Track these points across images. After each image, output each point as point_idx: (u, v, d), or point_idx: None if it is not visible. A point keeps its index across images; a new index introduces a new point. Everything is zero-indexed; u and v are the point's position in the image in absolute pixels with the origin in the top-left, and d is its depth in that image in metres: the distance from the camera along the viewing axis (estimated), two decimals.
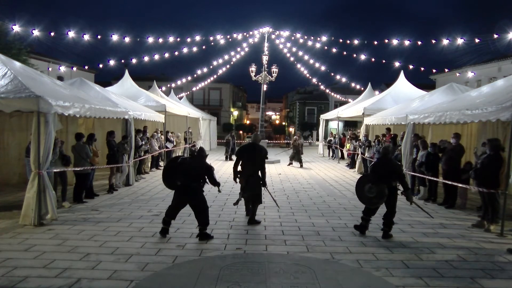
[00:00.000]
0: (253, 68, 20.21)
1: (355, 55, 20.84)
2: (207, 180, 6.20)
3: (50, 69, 23.15)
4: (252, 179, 7.10)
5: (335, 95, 36.72)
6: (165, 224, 6.19)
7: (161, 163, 15.64)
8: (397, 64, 19.48)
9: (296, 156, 17.46)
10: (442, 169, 9.03)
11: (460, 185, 8.20)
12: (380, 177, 6.26)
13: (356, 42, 19.49)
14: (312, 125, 45.33)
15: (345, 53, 21.32)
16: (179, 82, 28.34)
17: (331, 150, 22.38)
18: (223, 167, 16.53)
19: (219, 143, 29.20)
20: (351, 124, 36.40)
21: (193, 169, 6.06)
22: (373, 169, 6.66)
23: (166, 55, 20.11)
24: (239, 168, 7.34)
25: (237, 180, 7.34)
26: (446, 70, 23.78)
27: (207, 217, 6.10)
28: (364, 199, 6.50)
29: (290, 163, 17.63)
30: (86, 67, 26.94)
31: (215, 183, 6.28)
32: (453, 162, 8.67)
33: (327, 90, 35.85)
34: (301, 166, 17.18)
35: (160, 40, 18.19)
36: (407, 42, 17.37)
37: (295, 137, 19.02)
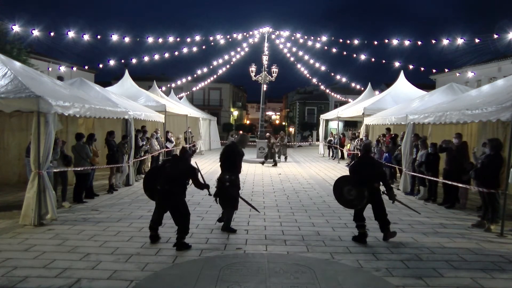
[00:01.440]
0: (253, 68, 20.22)
1: (355, 55, 20.86)
2: (192, 182, 5.77)
3: (50, 69, 23.14)
4: (221, 182, 6.69)
5: (335, 95, 36.73)
6: (152, 230, 5.86)
7: None
8: (397, 64, 19.50)
9: (269, 154, 17.46)
10: (444, 169, 9.01)
11: (460, 185, 8.20)
12: (362, 178, 6.00)
13: (356, 42, 19.49)
14: (312, 125, 45.34)
15: (345, 53, 21.36)
16: (179, 82, 28.36)
17: (331, 150, 22.39)
18: None
19: (222, 144, 29.09)
20: (351, 124, 36.39)
21: (175, 172, 5.63)
22: (353, 170, 6.31)
23: (166, 55, 20.12)
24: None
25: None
26: (446, 70, 23.78)
27: (187, 225, 5.68)
28: (343, 201, 6.24)
29: (264, 162, 17.40)
30: (86, 67, 26.94)
31: (201, 186, 5.84)
32: (457, 162, 8.64)
33: (327, 90, 35.85)
34: (274, 164, 17.16)
35: (160, 40, 18.20)
36: (407, 42, 17.37)
37: (267, 134, 19.14)
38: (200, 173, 6.15)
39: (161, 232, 6.33)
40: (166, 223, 6.39)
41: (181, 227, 5.65)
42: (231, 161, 6.71)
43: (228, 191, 6.61)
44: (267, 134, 19.39)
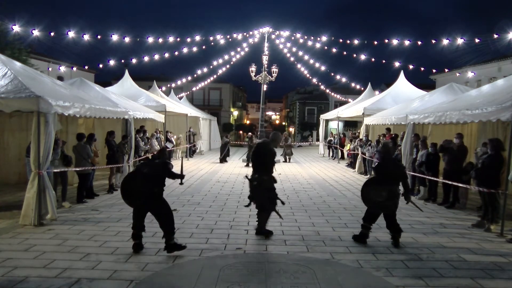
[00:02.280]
0: (253, 68, 20.21)
1: (355, 55, 20.85)
2: (168, 176, 5.58)
3: (50, 69, 23.13)
4: (256, 184, 6.33)
5: (335, 95, 36.72)
6: (135, 238, 5.47)
7: None
8: (397, 64, 19.49)
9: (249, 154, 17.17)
10: (444, 169, 9.01)
11: (461, 185, 8.20)
12: (388, 178, 5.86)
13: (356, 42, 19.49)
14: (312, 125, 45.34)
15: (345, 53, 21.34)
16: (179, 82, 28.34)
17: (331, 150, 22.40)
18: (222, 168, 16.55)
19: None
20: (351, 124, 36.41)
21: (150, 171, 5.37)
22: (378, 171, 6.20)
23: (166, 55, 20.12)
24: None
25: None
26: (446, 70, 23.77)
27: (171, 224, 5.40)
28: (374, 206, 5.96)
29: (247, 165, 16.98)
30: (86, 67, 26.93)
31: (175, 176, 5.72)
32: (458, 162, 8.64)
33: (327, 90, 35.84)
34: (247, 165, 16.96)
35: (160, 40, 18.20)
36: (407, 42, 17.37)
37: (249, 133, 19.09)
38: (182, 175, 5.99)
39: (162, 232, 6.33)
40: None
41: (166, 228, 5.37)
42: (261, 161, 6.36)
43: (257, 191, 6.31)
44: (249, 133, 19.35)
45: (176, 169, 5.99)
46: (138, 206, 5.47)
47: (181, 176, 5.89)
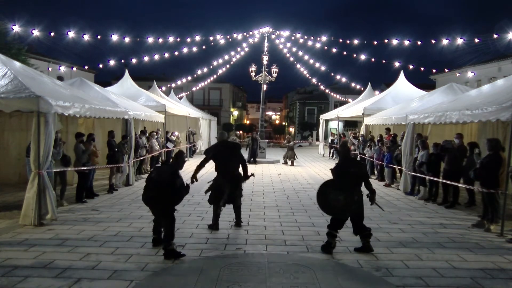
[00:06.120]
0: (253, 68, 20.23)
1: (355, 55, 20.86)
2: (172, 191, 5.34)
3: (50, 69, 23.12)
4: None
5: (335, 95, 36.70)
6: (154, 233, 5.74)
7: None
8: (397, 64, 19.50)
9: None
10: (444, 169, 9.02)
11: (460, 185, 8.20)
12: (347, 181, 5.40)
13: (356, 42, 19.50)
14: (312, 125, 45.33)
15: (345, 53, 21.36)
16: (179, 82, 28.34)
17: (331, 150, 22.38)
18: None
19: None
20: (351, 124, 36.38)
21: (158, 177, 5.40)
22: (337, 173, 5.61)
23: (166, 55, 20.12)
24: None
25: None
26: (446, 70, 23.77)
27: (170, 232, 5.30)
28: (332, 211, 5.53)
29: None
30: (86, 67, 26.91)
31: (180, 191, 5.41)
32: (458, 162, 8.64)
33: (327, 90, 35.85)
34: None
35: (160, 40, 18.21)
36: (407, 42, 17.38)
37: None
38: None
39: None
40: None
41: (164, 233, 5.36)
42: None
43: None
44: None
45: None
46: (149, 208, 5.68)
47: (185, 188, 5.48)
